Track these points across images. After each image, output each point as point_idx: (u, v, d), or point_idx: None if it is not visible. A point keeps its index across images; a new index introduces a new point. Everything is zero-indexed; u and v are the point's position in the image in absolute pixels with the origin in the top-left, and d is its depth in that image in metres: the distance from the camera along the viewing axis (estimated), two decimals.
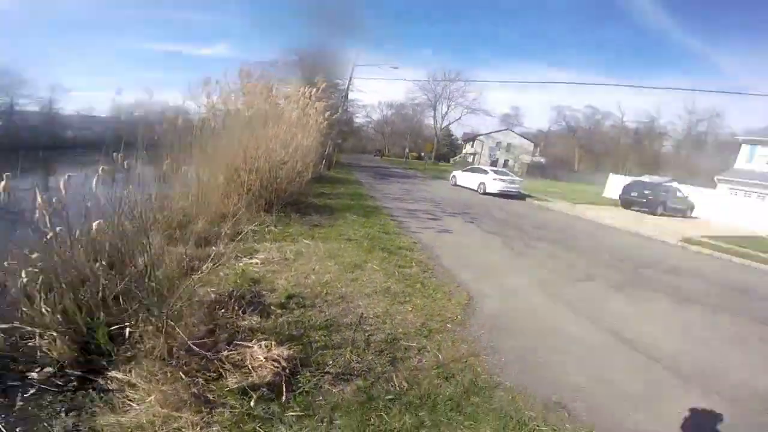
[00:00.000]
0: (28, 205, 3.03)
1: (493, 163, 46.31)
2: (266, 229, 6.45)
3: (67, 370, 2.64)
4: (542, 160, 53.16)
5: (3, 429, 2.20)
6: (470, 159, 50.65)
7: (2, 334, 2.80)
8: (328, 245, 6.20)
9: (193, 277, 3.43)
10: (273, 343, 2.93)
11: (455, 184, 21.04)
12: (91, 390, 2.51)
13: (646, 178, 19.97)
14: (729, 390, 3.68)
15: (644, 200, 18.33)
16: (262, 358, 2.77)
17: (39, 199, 2.86)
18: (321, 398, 2.66)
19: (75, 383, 2.58)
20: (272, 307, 3.78)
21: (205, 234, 5.34)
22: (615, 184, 23.93)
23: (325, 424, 2.42)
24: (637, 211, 18.52)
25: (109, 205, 3.53)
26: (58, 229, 2.99)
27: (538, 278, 6.43)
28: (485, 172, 19.38)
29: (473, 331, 4.08)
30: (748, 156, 22.59)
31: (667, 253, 10.76)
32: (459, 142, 62.58)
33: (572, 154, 50.41)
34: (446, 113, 54.49)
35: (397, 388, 2.87)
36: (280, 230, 6.64)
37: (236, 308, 3.51)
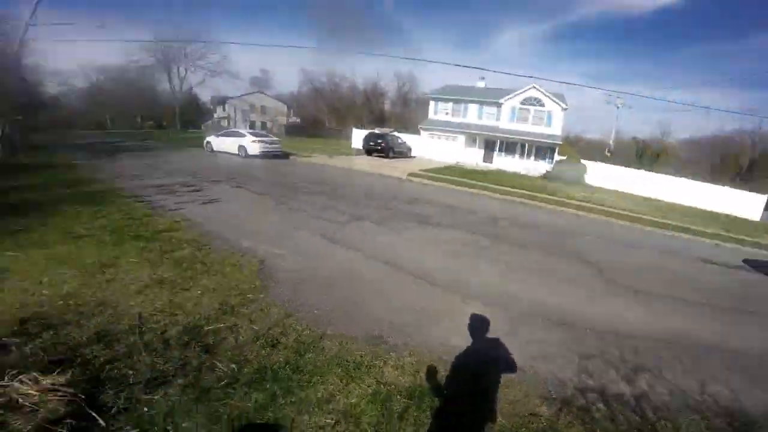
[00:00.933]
0: None
1: (251, 126, 44.59)
2: None
3: None
4: (298, 120, 55.17)
5: None
6: (224, 123, 46.67)
7: None
8: (50, 251, 4.61)
9: None
10: (35, 374, 2.18)
11: (212, 151, 19.01)
12: None
13: (377, 130, 25.56)
14: (474, 289, 4.98)
15: (379, 147, 23.47)
16: (35, 393, 2.08)
17: None
18: (146, 410, 2.29)
19: None
20: (3, 340, 2.66)
21: None
22: (358, 137, 28.21)
23: None
24: (377, 156, 23.45)
25: None
26: None
27: (317, 227, 7.03)
28: (243, 135, 18.51)
29: (278, 293, 4.17)
30: (434, 109, 31.21)
31: (401, 186, 14.12)
32: (209, 106, 55.70)
33: (323, 113, 54.27)
34: (185, 76, 46.68)
35: (228, 372, 2.76)
36: None
37: None
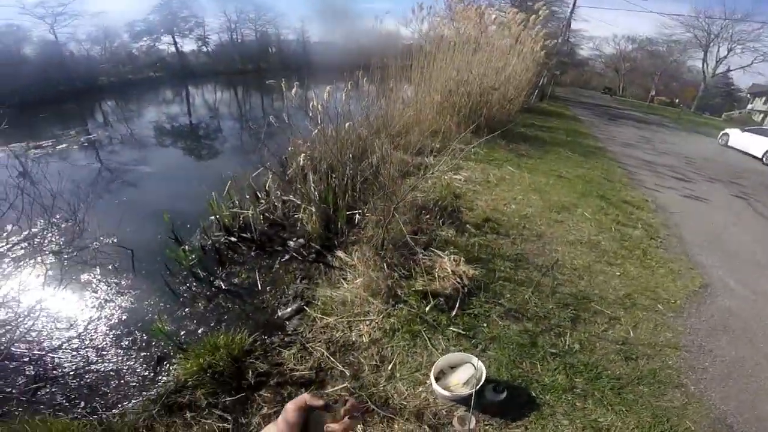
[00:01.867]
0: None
1: None
2: (472, 150, 6.39)
3: (311, 243, 3.56)
4: None
5: (260, 284, 3.17)
6: (757, 118, 34.12)
7: (280, 204, 3.97)
8: (535, 178, 5.70)
9: (407, 180, 3.83)
10: (462, 259, 3.10)
11: (726, 144, 14.60)
12: (321, 264, 3.34)
13: None
14: None
15: None
16: (449, 270, 3.00)
17: (314, 101, 3.73)
18: (485, 326, 2.74)
19: (314, 256, 3.49)
20: (468, 226, 3.91)
21: (418, 145, 5.78)
22: None
23: (478, 350, 2.52)
24: None
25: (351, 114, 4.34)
26: (320, 126, 3.86)
27: None
28: None
29: (689, 323, 3.21)
30: None
31: None
32: (743, 94, 41.98)
33: None
34: (724, 57, 36.29)
35: (566, 347, 2.66)
36: (485, 153, 6.48)
37: (437, 217, 3.78)
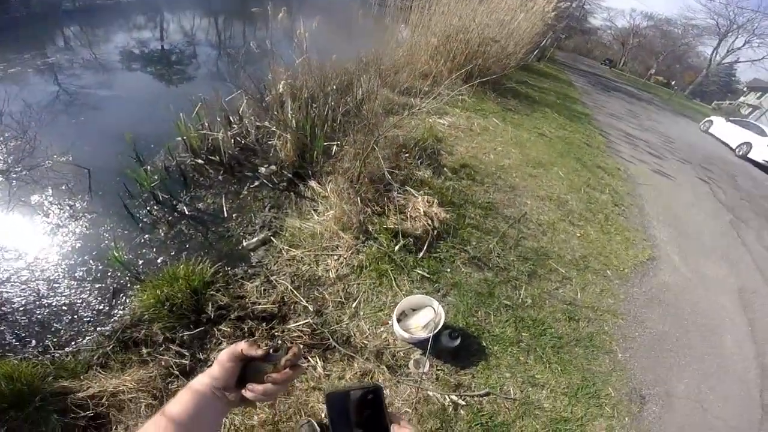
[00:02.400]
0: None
1: None
2: (460, 98, 6.23)
3: (284, 171, 3.41)
4: None
5: (225, 211, 3.05)
6: (744, 111, 34.89)
7: (254, 130, 3.73)
8: (518, 133, 5.70)
9: (391, 118, 3.69)
10: (435, 201, 3.09)
11: (707, 131, 14.91)
12: (292, 193, 3.22)
13: None
14: None
15: None
16: (421, 211, 3.00)
17: (301, 28, 3.40)
18: (449, 271, 2.83)
19: (285, 184, 3.35)
20: (445, 169, 3.92)
21: (407, 85, 5.54)
22: None
23: (440, 294, 2.63)
24: None
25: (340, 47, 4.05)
26: (305, 55, 3.56)
27: (741, 279, 4.41)
28: (763, 132, 12.36)
29: (630, 292, 3.46)
30: None
31: None
32: (740, 87, 42.51)
33: None
34: (738, 48, 35.85)
35: (520, 300, 2.82)
36: (474, 103, 6.35)
37: (416, 157, 3.73)
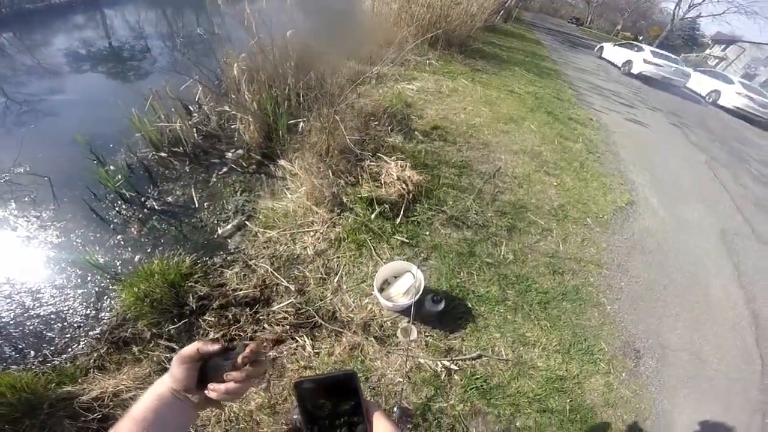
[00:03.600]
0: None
1: (749, 78, 31.35)
2: (427, 62, 6.14)
3: (252, 153, 3.31)
4: None
5: (196, 201, 2.94)
6: (712, 62, 35.47)
7: (215, 116, 3.59)
8: (487, 91, 5.65)
9: (357, 88, 3.59)
10: (408, 164, 3.05)
11: (600, 56, 15.35)
12: (263, 174, 3.13)
13: None
14: None
15: None
16: (395, 176, 2.96)
17: (247, 9, 3.23)
18: (428, 234, 2.81)
19: (254, 166, 3.26)
20: (416, 133, 3.87)
21: (372, 54, 5.39)
22: None
23: (420, 258, 2.61)
24: None
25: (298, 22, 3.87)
26: (257, 36, 3.39)
27: (722, 220, 4.52)
28: (730, 81, 13.26)
29: (612, 240, 3.46)
30: None
31: None
32: (705, 40, 43.17)
33: None
34: (699, 3, 35.90)
35: (501, 257, 2.82)
36: (441, 66, 6.24)
37: (386, 124, 3.67)
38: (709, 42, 43.32)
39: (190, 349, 0.56)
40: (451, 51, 7.21)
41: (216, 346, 0.56)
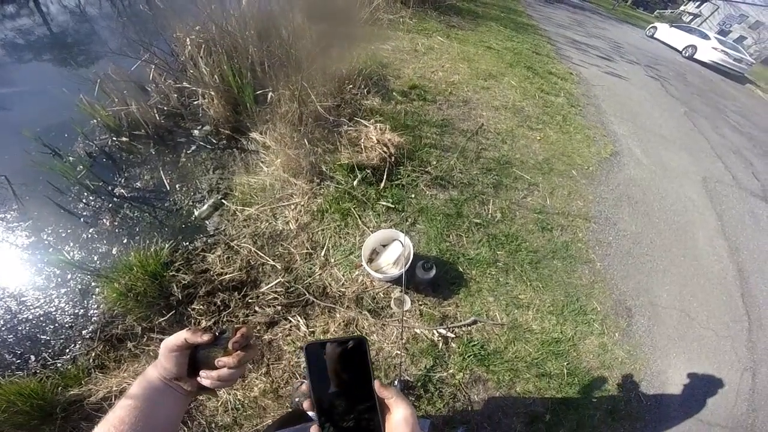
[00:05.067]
0: None
1: (723, 34, 31.95)
2: (401, 20, 5.84)
3: (220, 129, 3.10)
4: None
5: (167, 184, 2.75)
6: (687, 19, 35.56)
7: (175, 94, 3.33)
8: (464, 48, 5.44)
9: (328, 52, 3.37)
10: (387, 127, 2.92)
11: (651, 36, 15.68)
12: (235, 149, 2.94)
13: None
14: None
15: None
16: (375, 139, 2.81)
17: None
18: (413, 197, 2.72)
19: (225, 142, 3.06)
20: (394, 93, 3.70)
21: (342, 15, 5.09)
22: None
23: (407, 223, 2.52)
24: None
25: None
26: (214, 6, 3.10)
27: (704, 168, 4.61)
28: (706, 36, 13.75)
29: (598, 191, 3.43)
30: None
31: None
32: None
33: None
34: None
35: (489, 216, 2.75)
36: (415, 24, 5.95)
37: (362, 87, 3.49)
38: None
39: (178, 338, 0.53)
40: (424, 8, 6.89)
41: (206, 337, 0.52)
